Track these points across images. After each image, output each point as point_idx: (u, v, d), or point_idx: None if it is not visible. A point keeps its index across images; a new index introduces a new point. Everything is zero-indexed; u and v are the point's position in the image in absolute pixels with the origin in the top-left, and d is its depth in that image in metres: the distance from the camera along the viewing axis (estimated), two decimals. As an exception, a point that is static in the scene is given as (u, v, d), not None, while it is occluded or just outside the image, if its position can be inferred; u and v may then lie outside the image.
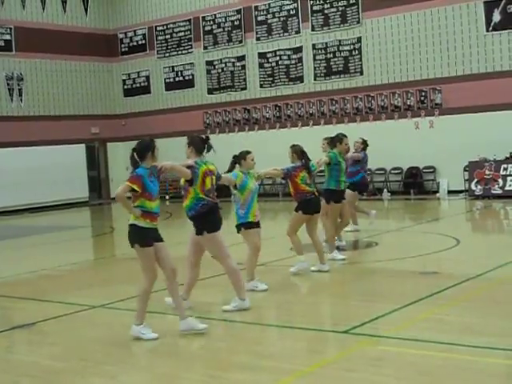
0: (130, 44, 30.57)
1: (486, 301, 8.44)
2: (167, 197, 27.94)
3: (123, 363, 6.73)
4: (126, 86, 30.87)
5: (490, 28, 21.64)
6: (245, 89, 27.12)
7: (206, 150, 8.18)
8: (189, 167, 7.93)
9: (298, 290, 9.76)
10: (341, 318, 7.83)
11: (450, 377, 5.73)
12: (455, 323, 7.45)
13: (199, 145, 8.16)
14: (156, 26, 29.50)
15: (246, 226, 9.37)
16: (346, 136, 12.03)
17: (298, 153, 10.39)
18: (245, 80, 27.08)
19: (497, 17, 21.49)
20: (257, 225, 9.47)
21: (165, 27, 29.22)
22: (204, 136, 8.35)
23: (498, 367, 5.90)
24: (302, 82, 25.61)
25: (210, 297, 9.37)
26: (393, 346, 6.68)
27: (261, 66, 26.58)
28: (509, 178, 20.63)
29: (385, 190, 23.15)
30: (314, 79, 25.31)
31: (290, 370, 6.12)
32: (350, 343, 6.79)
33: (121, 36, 30.73)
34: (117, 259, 11.83)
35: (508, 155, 20.83)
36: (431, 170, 23.03)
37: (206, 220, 8.12)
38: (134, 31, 30.31)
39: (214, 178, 8.21)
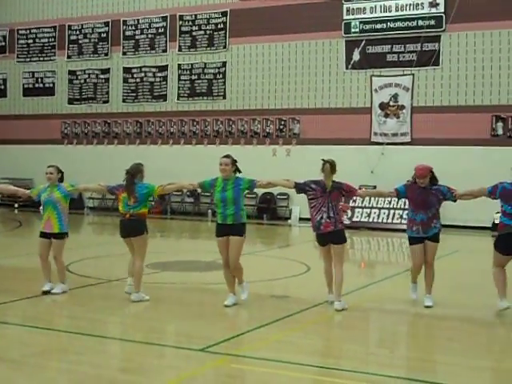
0: (-12, 45, 29.54)
1: (331, 325, 8.90)
2: (16, 205, 27.12)
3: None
4: (-20, 88, 29.74)
5: (350, 66, 22.74)
6: (107, 102, 26.89)
7: None
8: None
9: (155, 308, 9.79)
10: (197, 336, 7.98)
11: (299, 396, 6.02)
12: (304, 345, 7.78)
13: None
14: (18, 29, 28.69)
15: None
16: (225, 156, 9.94)
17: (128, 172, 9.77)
18: (108, 93, 26.86)
19: (356, 56, 22.62)
20: (44, 235, 9.92)
21: (28, 31, 28.49)
22: None
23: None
24: (166, 100, 25.75)
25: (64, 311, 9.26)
26: (246, 364, 6.91)
27: (125, 80, 26.48)
28: (357, 210, 21.64)
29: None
30: (178, 99, 25.51)
31: (146, 384, 6.21)
32: (206, 361, 6.95)
33: (-21, 35, 29.65)
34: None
35: (357, 187, 21.75)
36: (285, 197, 23.73)
37: None
38: (-6, 32, 29.34)
39: None
